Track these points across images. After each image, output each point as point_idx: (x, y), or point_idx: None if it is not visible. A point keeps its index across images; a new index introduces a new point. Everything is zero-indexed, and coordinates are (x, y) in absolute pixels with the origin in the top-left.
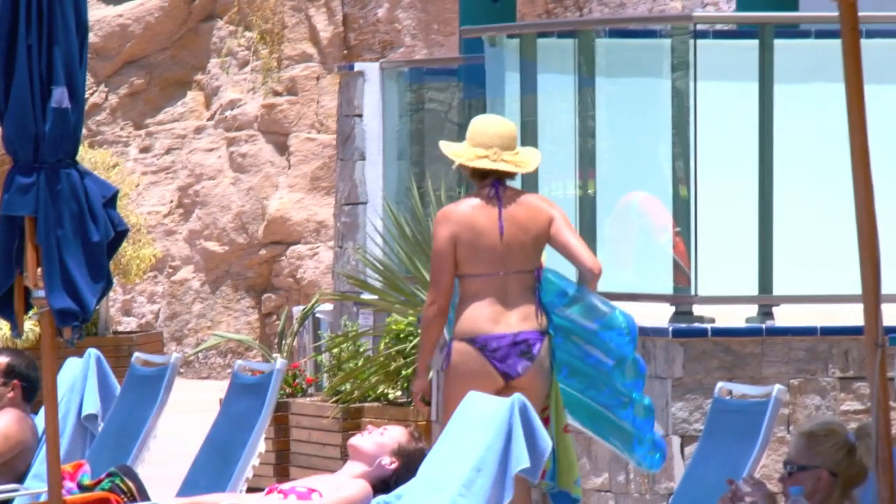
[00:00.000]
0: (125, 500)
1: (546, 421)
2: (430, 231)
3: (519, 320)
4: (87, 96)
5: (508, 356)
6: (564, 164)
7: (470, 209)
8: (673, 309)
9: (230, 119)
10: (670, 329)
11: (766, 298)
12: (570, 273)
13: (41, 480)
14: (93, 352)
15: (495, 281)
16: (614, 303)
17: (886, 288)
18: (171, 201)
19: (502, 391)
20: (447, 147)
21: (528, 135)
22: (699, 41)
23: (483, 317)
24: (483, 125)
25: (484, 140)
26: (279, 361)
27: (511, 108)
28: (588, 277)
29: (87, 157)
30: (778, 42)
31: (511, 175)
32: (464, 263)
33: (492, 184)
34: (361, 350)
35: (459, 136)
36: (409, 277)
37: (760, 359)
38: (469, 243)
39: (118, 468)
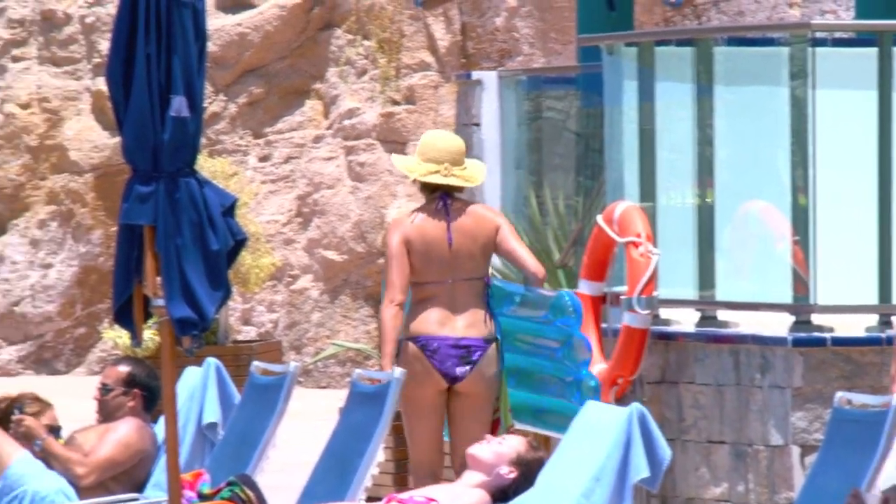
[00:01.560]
0: None
1: (496, 424)
2: (548, 240)
3: (464, 326)
4: (205, 105)
5: (448, 359)
6: (682, 172)
7: (420, 221)
8: (792, 318)
9: (349, 128)
10: (790, 338)
11: (886, 308)
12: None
13: (161, 489)
14: (212, 361)
15: (444, 288)
16: (733, 312)
17: None
18: (290, 210)
19: (446, 393)
20: (399, 161)
21: (646, 143)
22: (818, 49)
23: (429, 320)
24: (434, 141)
25: (435, 155)
26: (397, 371)
27: (629, 116)
28: (533, 281)
29: (207, 166)
30: None
31: (460, 189)
32: (415, 272)
33: (440, 197)
34: None
35: (578, 145)
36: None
37: (880, 368)
38: (421, 253)
39: (238, 477)
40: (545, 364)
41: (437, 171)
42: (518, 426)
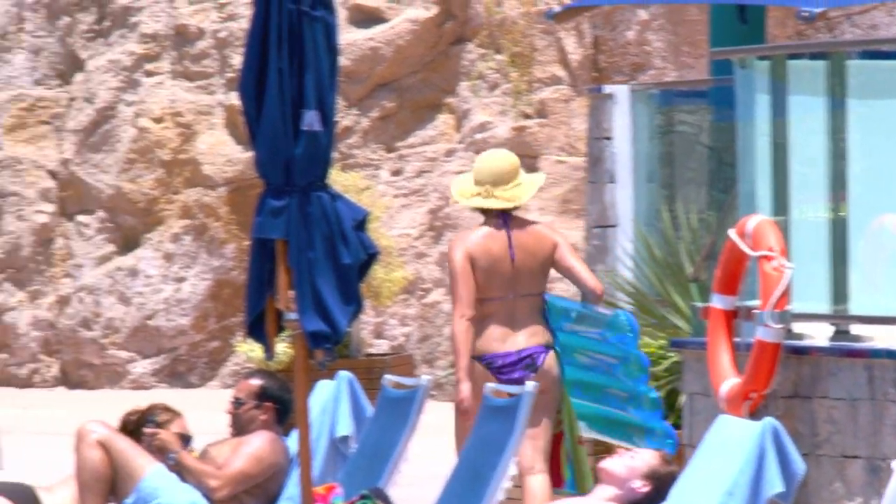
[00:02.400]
0: None
1: (560, 435)
2: (680, 254)
3: (525, 338)
4: (337, 119)
5: (514, 371)
6: (815, 186)
7: (483, 238)
8: None
9: (480, 142)
10: None
11: None
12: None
13: (294, 502)
14: (345, 374)
15: (505, 303)
16: (867, 326)
17: None
18: (422, 224)
19: None
20: (453, 185)
21: (779, 157)
22: None
23: (492, 337)
24: (480, 162)
25: (479, 177)
26: (530, 384)
27: (761, 130)
28: (591, 298)
29: (339, 180)
30: None
31: (514, 207)
32: (478, 288)
33: (498, 215)
34: None
35: (710, 159)
36: (659, 300)
37: None
38: (484, 269)
39: (371, 490)
40: (604, 378)
41: (478, 194)
42: (586, 434)
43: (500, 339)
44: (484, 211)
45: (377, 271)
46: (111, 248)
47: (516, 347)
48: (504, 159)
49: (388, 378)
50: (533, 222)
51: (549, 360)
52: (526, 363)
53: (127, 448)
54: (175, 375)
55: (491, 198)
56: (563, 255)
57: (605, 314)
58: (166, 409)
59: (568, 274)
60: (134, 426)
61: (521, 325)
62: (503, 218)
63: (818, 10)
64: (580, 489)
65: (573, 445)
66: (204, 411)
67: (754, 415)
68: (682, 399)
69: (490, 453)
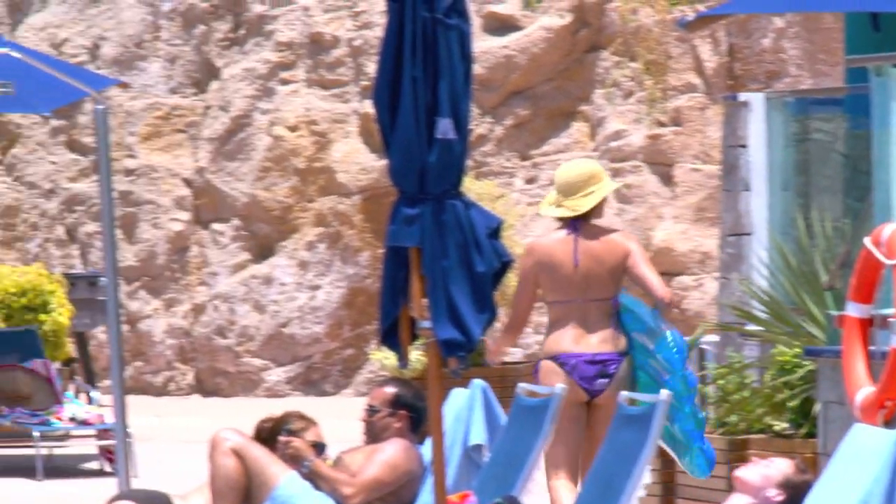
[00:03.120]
0: None
1: None
2: (815, 263)
3: (598, 342)
4: (471, 127)
5: (586, 373)
6: None
7: (551, 242)
8: None
9: (615, 150)
10: None
11: None
12: None
13: None
14: (479, 382)
15: (575, 307)
16: None
17: None
18: None
19: (585, 406)
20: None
21: None
22: None
23: (564, 338)
24: (556, 172)
25: (556, 187)
26: (663, 393)
27: None
28: (661, 306)
29: (473, 188)
30: None
31: (584, 215)
32: (546, 291)
33: (570, 222)
34: (747, 382)
35: (845, 167)
36: (794, 309)
37: None
38: (547, 272)
39: (504, 498)
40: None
41: (552, 203)
42: None
43: (573, 341)
44: (560, 218)
45: (511, 279)
46: (246, 256)
47: (590, 350)
48: (576, 169)
49: (522, 387)
50: (610, 230)
51: (623, 370)
52: (599, 369)
53: (261, 456)
54: (309, 383)
55: (560, 207)
56: (635, 263)
57: (660, 331)
58: (301, 417)
59: (639, 281)
60: (268, 434)
61: (594, 328)
62: (573, 225)
63: None
64: None
65: None
66: (338, 419)
67: (889, 423)
68: (817, 407)
69: (623, 462)
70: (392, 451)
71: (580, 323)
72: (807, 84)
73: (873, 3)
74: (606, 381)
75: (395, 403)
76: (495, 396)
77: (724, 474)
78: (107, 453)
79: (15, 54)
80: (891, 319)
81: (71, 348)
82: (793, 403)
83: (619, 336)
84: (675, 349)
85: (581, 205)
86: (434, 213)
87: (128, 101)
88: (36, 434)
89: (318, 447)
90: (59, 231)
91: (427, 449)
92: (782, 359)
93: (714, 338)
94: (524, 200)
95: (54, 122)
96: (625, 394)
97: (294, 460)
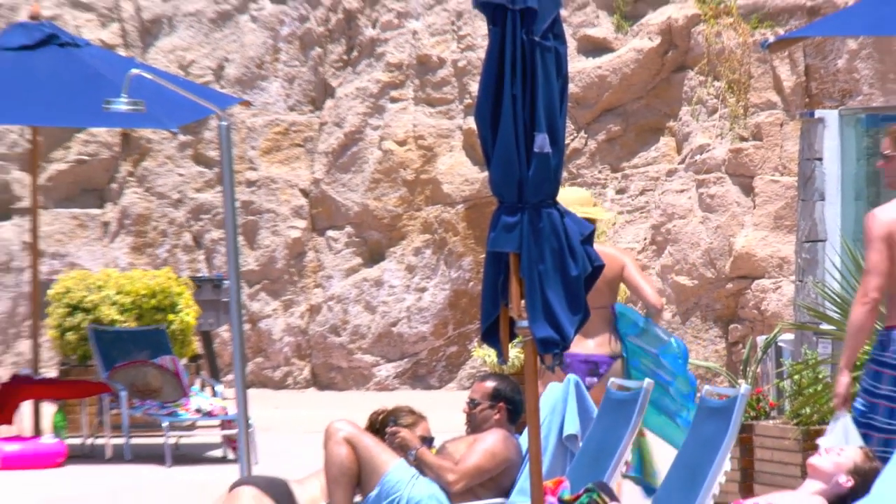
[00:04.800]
0: None
1: None
2: None
3: (594, 346)
4: (567, 142)
5: (578, 371)
6: None
7: None
8: None
9: (699, 163)
10: None
11: None
12: None
13: (525, 495)
14: (572, 377)
15: None
16: None
17: None
18: (645, 239)
19: None
20: None
21: None
22: None
23: None
24: (565, 192)
25: (570, 203)
26: (743, 387)
27: None
28: (653, 312)
29: (568, 197)
30: None
31: None
32: None
33: None
34: (821, 377)
35: None
36: None
37: None
38: None
39: (595, 484)
40: (661, 388)
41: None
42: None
43: (574, 343)
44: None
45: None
46: (358, 260)
47: (585, 351)
48: (579, 190)
49: (613, 381)
50: (605, 248)
51: (612, 372)
52: (590, 368)
53: (372, 445)
54: (416, 378)
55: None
56: (629, 274)
57: (662, 339)
58: (411, 412)
59: (633, 290)
60: (379, 425)
61: (592, 333)
62: None
63: None
64: (645, 474)
65: (638, 436)
66: (442, 411)
67: None
68: None
69: (707, 451)
70: (492, 441)
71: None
72: (878, 102)
73: None
74: (595, 379)
75: (495, 396)
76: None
77: (799, 462)
78: (230, 442)
79: (146, 75)
80: None
81: (197, 346)
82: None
83: (615, 341)
84: (679, 355)
85: (599, 213)
86: (531, 221)
87: (249, 118)
88: (165, 424)
89: (426, 441)
90: (186, 238)
91: (524, 438)
92: None
93: (790, 336)
94: (615, 209)
95: (182, 138)
96: (707, 388)
97: (402, 449)
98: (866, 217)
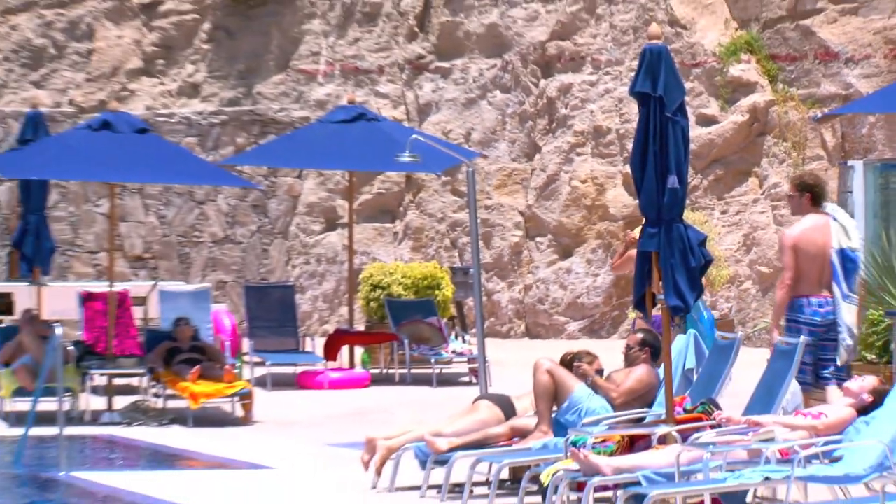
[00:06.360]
0: (709, 418)
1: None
2: (893, 260)
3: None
4: (689, 180)
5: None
6: None
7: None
8: None
9: (774, 195)
10: None
11: None
12: None
13: (661, 407)
14: (692, 331)
15: None
16: None
17: None
18: (739, 243)
19: None
20: None
21: None
22: None
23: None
24: None
25: None
26: (803, 337)
27: None
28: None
29: (689, 217)
30: None
31: None
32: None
33: None
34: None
35: None
36: (879, 287)
37: None
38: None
39: (707, 399)
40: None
41: None
42: None
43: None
44: None
45: (712, 271)
46: (555, 256)
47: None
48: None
49: (718, 333)
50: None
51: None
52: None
53: (564, 374)
54: (593, 331)
55: None
56: None
57: (699, 307)
58: (589, 353)
59: None
60: (569, 361)
61: None
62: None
63: None
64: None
65: None
66: (610, 353)
67: None
68: (892, 346)
69: (777, 378)
70: (640, 372)
71: None
72: (888, 155)
73: None
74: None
75: (643, 344)
76: (702, 340)
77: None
78: (473, 372)
79: (421, 139)
80: None
81: (453, 310)
82: (878, 344)
83: None
84: (706, 315)
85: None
86: (666, 232)
87: (486, 165)
88: (432, 360)
89: (599, 372)
90: (446, 242)
91: (661, 370)
92: (872, 317)
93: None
94: (720, 224)
95: (443, 178)
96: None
97: (583, 377)
98: (780, 234)
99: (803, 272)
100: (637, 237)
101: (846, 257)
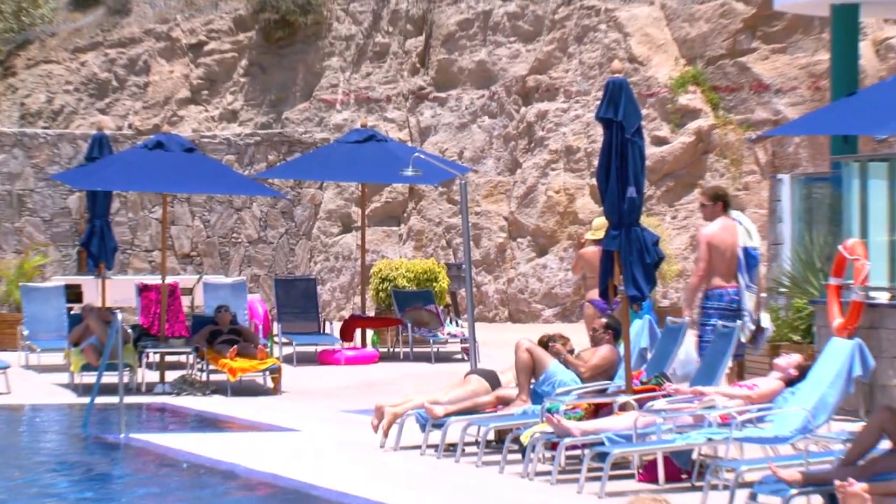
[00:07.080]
0: (661, 389)
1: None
2: (814, 258)
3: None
4: (645, 191)
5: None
6: (878, 226)
7: (594, 251)
8: None
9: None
10: None
11: None
12: None
13: (621, 379)
14: (647, 316)
15: (593, 282)
16: None
17: None
18: (685, 243)
19: None
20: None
21: (864, 211)
22: None
23: (593, 294)
24: (596, 221)
25: (595, 227)
26: (738, 323)
27: (854, 197)
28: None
29: (646, 221)
30: None
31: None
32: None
33: (594, 242)
34: (781, 316)
35: (829, 210)
36: (804, 280)
37: None
38: (591, 268)
39: (659, 373)
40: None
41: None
42: None
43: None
44: (596, 241)
45: (663, 267)
46: (534, 254)
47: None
48: (598, 220)
49: (669, 318)
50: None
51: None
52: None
53: (541, 353)
54: (565, 317)
55: (592, 234)
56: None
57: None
58: (562, 336)
59: None
60: (545, 342)
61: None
62: (596, 243)
63: (882, 137)
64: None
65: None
66: (579, 335)
67: (850, 337)
68: (815, 329)
69: (719, 355)
70: (605, 351)
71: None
72: (811, 170)
73: (854, 129)
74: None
75: (607, 327)
76: (655, 322)
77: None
78: (465, 351)
79: (421, 156)
80: (851, 285)
81: (448, 299)
82: (802, 327)
83: None
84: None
85: (599, 236)
86: (626, 234)
87: (476, 179)
88: (431, 341)
89: (570, 351)
90: (443, 242)
91: (620, 349)
92: (797, 305)
93: (764, 294)
94: (670, 227)
95: (440, 189)
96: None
97: (556, 355)
98: (697, 232)
99: (715, 266)
100: (586, 237)
101: (749, 254)
